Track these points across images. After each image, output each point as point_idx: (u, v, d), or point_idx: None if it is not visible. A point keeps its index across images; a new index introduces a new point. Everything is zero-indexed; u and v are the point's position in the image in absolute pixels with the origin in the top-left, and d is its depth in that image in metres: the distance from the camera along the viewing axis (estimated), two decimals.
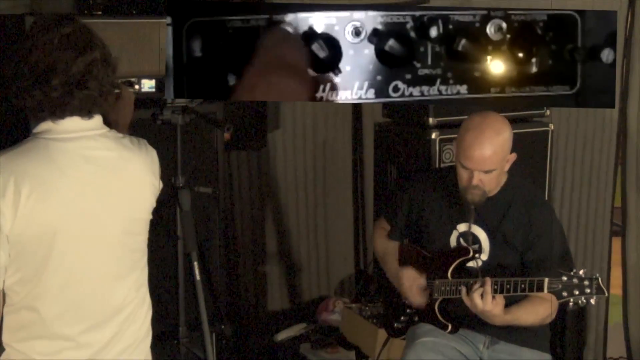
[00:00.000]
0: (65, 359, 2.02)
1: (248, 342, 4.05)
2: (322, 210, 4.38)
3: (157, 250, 2.29)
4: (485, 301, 2.71)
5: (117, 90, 2.19)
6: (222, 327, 3.18)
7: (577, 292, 2.62)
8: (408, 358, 2.91)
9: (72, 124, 2.01)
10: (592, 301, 2.62)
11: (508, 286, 2.72)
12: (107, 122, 2.12)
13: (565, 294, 2.63)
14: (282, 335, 4.08)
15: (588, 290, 2.61)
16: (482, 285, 2.72)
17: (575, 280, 2.62)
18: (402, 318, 3.14)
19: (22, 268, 1.96)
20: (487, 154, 2.80)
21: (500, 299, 2.73)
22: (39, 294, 1.98)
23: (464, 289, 2.77)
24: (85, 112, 2.01)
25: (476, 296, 2.72)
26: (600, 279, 2.62)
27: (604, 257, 4.50)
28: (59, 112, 1.98)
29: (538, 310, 2.85)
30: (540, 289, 2.67)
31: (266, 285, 4.29)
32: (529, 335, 2.98)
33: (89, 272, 2.04)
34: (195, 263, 2.87)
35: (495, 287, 2.73)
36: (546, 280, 2.66)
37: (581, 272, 2.63)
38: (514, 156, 2.91)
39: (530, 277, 2.73)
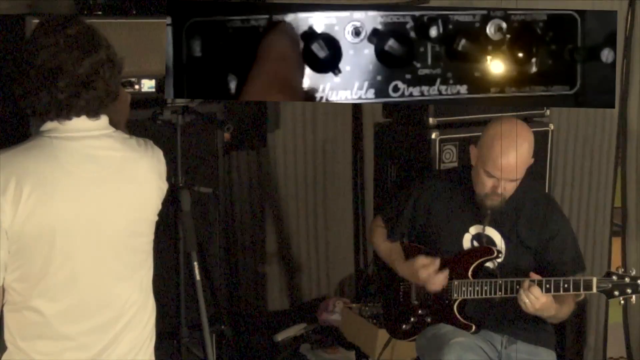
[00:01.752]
0: (66, 359, 2.02)
1: (248, 342, 4.05)
2: (322, 210, 4.38)
3: (157, 250, 2.28)
4: (538, 299, 2.72)
5: None
6: (222, 327, 3.18)
7: (629, 291, 2.69)
8: (448, 358, 2.85)
9: (79, 123, 2.01)
10: None
11: (548, 286, 2.73)
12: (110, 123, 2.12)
13: (616, 292, 2.70)
14: (282, 335, 4.08)
15: None
16: (528, 285, 2.73)
17: (627, 280, 2.68)
18: (411, 319, 3.12)
19: (23, 266, 1.96)
20: (517, 163, 2.81)
21: (547, 294, 2.74)
22: (40, 293, 1.98)
23: (521, 291, 2.75)
24: (93, 112, 2.01)
25: (525, 298, 2.73)
26: None
27: (604, 257, 4.51)
28: (65, 113, 1.98)
29: (570, 303, 2.90)
30: (588, 288, 2.72)
31: (266, 285, 4.29)
32: (544, 335, 3.01)
33: (91, 272, 2.03)
34: (195, 263, 2.87)
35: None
36: (594, 279, 2.71)
37: (630, 271, 2.70)
38: (532, 160, 2.92)
39: (575, 277, 2.77)
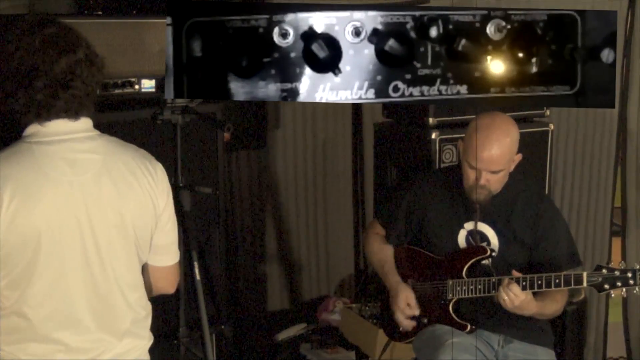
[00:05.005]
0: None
1: (248, 342, 4.05)
2: (322, 210, 4.38)
3: None
4: (517, 296, 2.73)
5: None
6: (222, 327, 3.17)
7: (619, 284, 2.70)
8: (443, 359, 2.86)
9: (59, 126, 2.00)
10: (637, 291, 2.70)
11: (540, 282, 2.74)
12: None
13: (607, 286, 2.70)
14: (282, 335, 4.08)
15: (632, 282, 2.69)
16: (507, 283, 2.74)
17: (616, 273, 2.68)
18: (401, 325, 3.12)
19: (10, 272, 1.94)
20: (496, 154, 2.83)
21: (527, 292, 2.76)
22: (27, 298, 1.96)
23: (500, 288, 2.77)
24: (72, 113, 2.00)
25: (504, 295, 2.74)
26: None
27: (604, 257, 4.50)
28: (44, 113, 1.97)
29: (558, 299, 2.91)
30: (578, 283, 2.72)
31: (266, 285, 4.29)
32: (540, 334, 3.01)
33: (77, 276, 2.01)
34: (195, 263, 2.87)
35: (524, 283, 2.76)
36: (584, 274, 2.71)
37: (620, 265, 2.71)
38: (519, 156, 2.93)
39: (565, 272, 2.78)
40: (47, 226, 1.95)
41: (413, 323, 3.05)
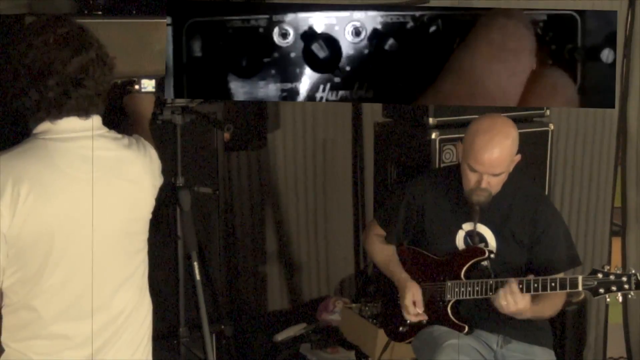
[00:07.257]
0: (63, 359, 2.01)
1: (248, 342, 4.05)
2: (322, 210, 4.38)
3: (157, 250, 2.28)
4: (516, 302, 2.73)
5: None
6: (222, 327, 3.18)
7: (614, 288, 2.68)
8: None
9: (70, 124, 2.01)
10: (631, 295, 2.69)
11: (535, 285, 2.74)
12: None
13: (602, 290, 2.69)
14: (282, 335, 4.08)
15: (627, 286, 2.67)
16: (509, 287, 2.73)
17: (612, 277, 2.67)
18: (407, 321, 3.11)
19: (22, 268, 1.96)
20: (497, 157, 2.82)
21: (527, 296, 2.75)
22: (37, 293, 1.98)
23: (501, 292, 2.76)
24: (83, 112, 2.01)
25: (503, 298, 2.74)
26: (638, 275, 2.67)
27: (604, 257, 4.51)
28: (55, 112, 1.98)
29: (556, 303, 2.91)
30: (574, 286, 2.71)
31: (266, 285, 4.29)
32: (539, 333, 3.01)
33: (88, 272, 2.03)
34: (195, 263, 2.87)
35: (521, 286, 2.75)
36: (580, 277, 2.70)
37: (616, 269, 2.69)
38: (519, 157, 2.93)
39: (561, 276, 2.78)
40: (62, 223, 1.96)
41: (420, 317, 3.03)
